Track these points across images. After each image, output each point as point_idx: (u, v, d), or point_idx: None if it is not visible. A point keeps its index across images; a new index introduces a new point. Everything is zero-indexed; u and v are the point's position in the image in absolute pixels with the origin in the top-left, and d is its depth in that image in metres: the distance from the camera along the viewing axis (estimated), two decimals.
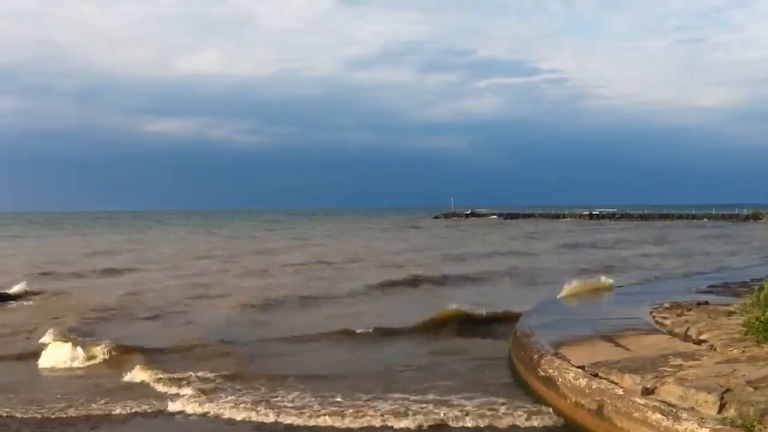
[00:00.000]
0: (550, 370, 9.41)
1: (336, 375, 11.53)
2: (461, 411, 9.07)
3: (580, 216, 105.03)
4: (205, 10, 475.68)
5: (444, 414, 8.99)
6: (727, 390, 7.22)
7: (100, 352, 12.99)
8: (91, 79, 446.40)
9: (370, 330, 15.27)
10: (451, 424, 8.79)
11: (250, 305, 19.19)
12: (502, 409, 9.09)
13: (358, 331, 15.20)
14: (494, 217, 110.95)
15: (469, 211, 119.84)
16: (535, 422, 8.74)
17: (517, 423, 8.75)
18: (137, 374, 11.42)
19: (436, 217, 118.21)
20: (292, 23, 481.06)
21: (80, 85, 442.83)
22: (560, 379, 9.02)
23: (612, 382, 8.27)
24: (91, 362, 12.71)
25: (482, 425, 8.72)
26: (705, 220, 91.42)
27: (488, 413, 8.98)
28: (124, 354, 13.00)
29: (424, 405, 9.36)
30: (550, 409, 8.97)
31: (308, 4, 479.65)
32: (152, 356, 12.86)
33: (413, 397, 9.74)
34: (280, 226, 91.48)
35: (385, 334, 15.11)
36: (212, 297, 21.62)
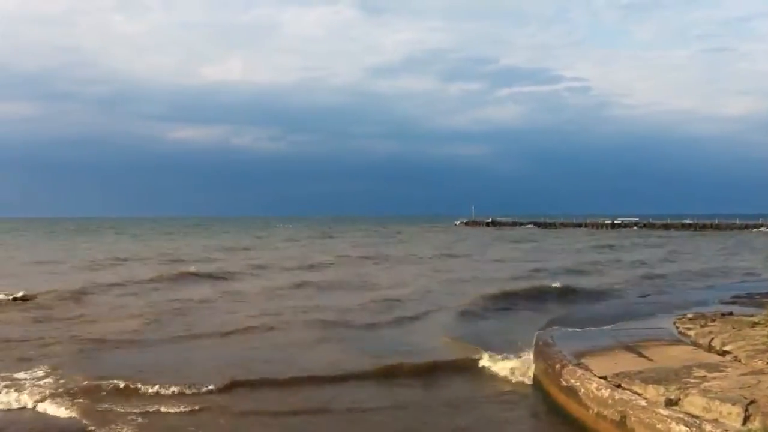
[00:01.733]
0: (572, 380, 9.38)
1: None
2: None
3: (602, 225, 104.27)
4: (230, 19, 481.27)
5: None
6: (752, 402, 7.16)
7: None
8: (116, 87, 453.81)
9: None
10: None
11: None
12: None
13: None
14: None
15: (489, 220, 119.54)
16: None
17: None
18: None
19: (457, 224, 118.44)
20: (316, 32, 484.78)
21: (105, 92, 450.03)
22: (582, 390, 8.99)
23: (635, 392, 8.24)
24: None
25: None
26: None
27: None
28: None
29: None
30: None
31: (332, 12, 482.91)
32: None
33: None
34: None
35: None
36: None
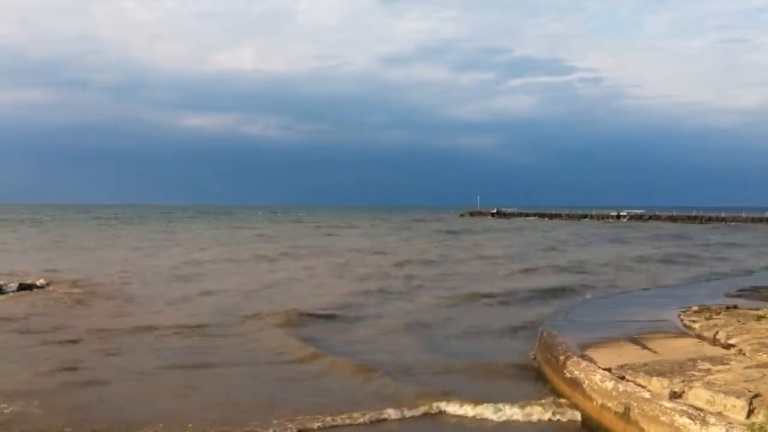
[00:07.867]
0: (576, 372, 9.39)
1: None
2: None
3: (607, 217, 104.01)
4: (244, 7, 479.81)
5: None
6: (756, 395, 7.16)
7: None
8: (130, 74, 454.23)
9: None
10: None
11: None
12: None
13: None
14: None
15: (495, 210, 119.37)
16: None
17: None
18: None
19: (462, 215, 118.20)
20: (329, 20, 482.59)
21: (119, 79, 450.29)
22: (586, 381, 9.01)
23: (639, 385, 8.25)
24: None
25: None
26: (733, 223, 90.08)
27: None
28: None
29: None
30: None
31: (346, 1, 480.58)
32: None
33: None
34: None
35: None
36: None
